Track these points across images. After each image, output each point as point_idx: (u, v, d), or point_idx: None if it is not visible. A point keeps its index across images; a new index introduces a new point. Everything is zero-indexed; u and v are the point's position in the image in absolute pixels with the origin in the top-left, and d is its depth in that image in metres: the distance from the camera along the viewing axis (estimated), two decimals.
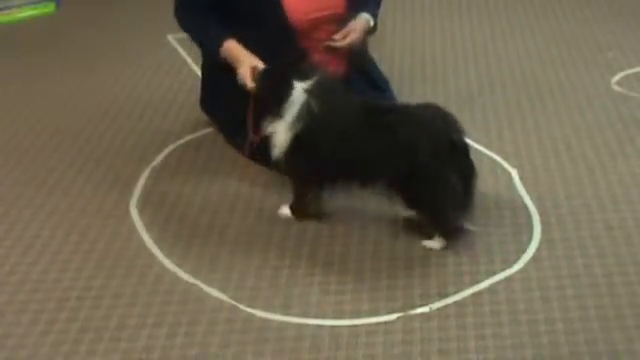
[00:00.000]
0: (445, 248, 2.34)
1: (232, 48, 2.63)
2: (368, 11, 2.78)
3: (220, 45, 2.64)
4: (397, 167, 2.31)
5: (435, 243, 2.35)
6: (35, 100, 3.34)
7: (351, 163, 2.36)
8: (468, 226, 2.38)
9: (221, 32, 2.67)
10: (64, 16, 4.26)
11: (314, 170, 2.43)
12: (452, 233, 2.35)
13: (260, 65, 2.54)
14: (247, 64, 2.55)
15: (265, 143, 2.44)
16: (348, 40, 2.73)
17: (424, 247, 2.36)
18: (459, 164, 2.32)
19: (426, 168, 2.28)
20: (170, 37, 3.89)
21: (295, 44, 2.68)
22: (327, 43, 2.73)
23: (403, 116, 2.35)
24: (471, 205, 2.38)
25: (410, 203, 2.37)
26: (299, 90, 2.34)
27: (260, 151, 2.56)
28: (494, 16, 4.06)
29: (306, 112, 2.34)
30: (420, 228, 2.40)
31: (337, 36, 2.73)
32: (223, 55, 2.64)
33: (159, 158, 2.87)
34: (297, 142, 2.37)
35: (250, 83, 2.51)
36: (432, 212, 2.36)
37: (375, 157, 2.33)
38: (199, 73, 3.40)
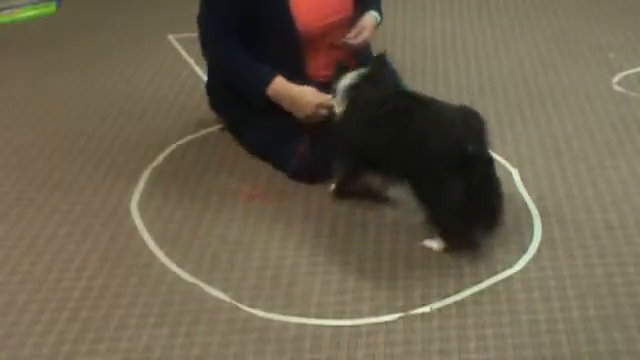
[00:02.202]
0: (445, 249, 2.34)
1: (281, 86, 2.62)
2: (373, 7, 2.82)
3: (268, 84, 2.62)
4: (409, 157, 2.31)
5: (435, 243, 2.35)
6: (36, 100, 3.34)
7: (376, 148, 2.40)
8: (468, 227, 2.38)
9: (267, 71, 2.64)
10: (65, 16, 4.26)
11: (350, 150, 2.52)
12: (451, 237, 2.34)
13: (316, 92, 2.58)
14: (311, 97, 2.58)
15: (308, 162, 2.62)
16: (361, 38, 2.76)
17: (424, 247, 2.35)
18: (472, 174, 2.26)
19: (432, 167, 2.28)
20: (171, 37, 3.89)
21: (303, 56, 2.70)
22: (343, 41, 2.75)
23: (430, 111, 2.35)
24: (490, 220, 2.34)
25: (416, 197, 2.37)
26: (347, 77, 2.52)
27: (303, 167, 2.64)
28: (495, 16, 4.06)
29: (347, 96, 2.50)
30: (423, 227, 2.40)
31: (351, 35, 2.75)
32: (270, 94, 2.62)
33: (160, 158, 2.87)
34: (340, 122, 2.50)
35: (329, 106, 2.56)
36: (432, 212, 2.36)
37: (394, 143, 2.35)
38: (200, 73, 3.42)
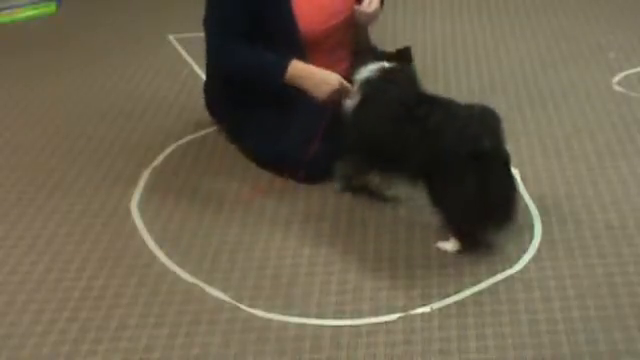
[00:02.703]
0: (459, 251, 2.33)
1: (299, 68, 2.59)
2: None
3: (285, 69, 2.58)
4: (424, 155, 2.31)
5: (449, 245, 2.34)
6: (36, 100, 3.34)
7: (389, 145, 2.41)
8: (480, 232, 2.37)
9: (280, 57, 2.62)
10: (65, 16, 4.27)
11: (360, 145, 2.51)
12: (462, 236, 2.33)
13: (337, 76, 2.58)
14: (334, 74, 2.57)
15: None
16: (373, 7, 2.75)
17: (438, 249, 2.34)
18: (487, 171, 2.25)
19: (448, 163, 2.27)
20: (171, 37, 3.89)
21: (305, 58, 2.68)
22: (358, 11, 2.74)
23: (445, 109, 2.35)
24: (503, 219, 2.33)
25: (430, 196, 2.36)
26: (367, 69, 2.52)
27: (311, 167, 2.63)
28: (495, 16, 4.06)
29: (364, 88, 2.50)
30: (436, 229, 2.40)
31: (363, 5, 2.75)
32: (289, 78, 2.59)
33: (160, 158, 2.87)
34: (353, 115, 2.50)
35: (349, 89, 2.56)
36: (445, 210, 2.34)
37: (407, 141, 2.35)
38: (200, 73, 3.42)
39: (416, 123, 2.33)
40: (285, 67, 2.59)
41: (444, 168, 2.28)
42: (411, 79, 2.56)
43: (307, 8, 2.68)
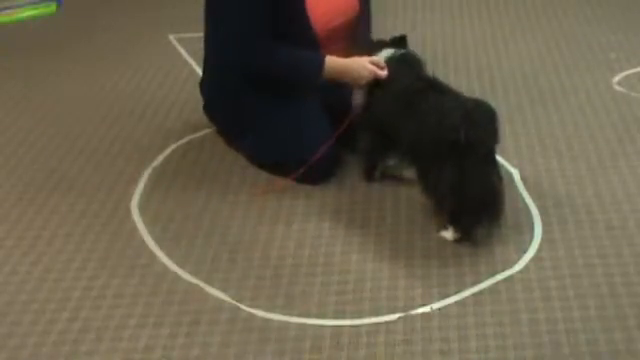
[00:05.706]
0: (458, 239, 2.35)
1: (333, 63, 2.63)
2: None
3: (321, 68, 2.62)
4: (410, 139, 2.43)
5: (449, 234, 2.37)
6: (36, 100, 3.34)
7: (394, 126, 2.51)
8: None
9: (313, 56, 2.66)
10: (65, 16, 4.27)
11: (374, 128, 2.60)
12: (457, 224, 2.35)
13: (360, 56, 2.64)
14: (362, 59, 2.62)
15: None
16: None
17: (440, 237, 2.38)
18: (464, 161, 2.29)
19: (428, 150, 2.36)
20: (172, 37, 3.89)
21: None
22: None
23: (439, 98, 2.42)
24: (491, 213, 2.36)
25: (418, 181, 2.45)
26: (386, 52, 2.65)
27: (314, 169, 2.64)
28: (495, 17, 4.06)
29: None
30: (434, 217, 2.44)
31: None
32: (325, 75, 2.63)
33: (160, 158, 2.87)
34: (369, 95, 2.62)
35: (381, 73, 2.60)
36: (427, 195, 2.41)
37: (406, 124, 2.44)
38: (200, 73, 3.41)
39: (411, 108, 2.43)
40: (321, 66, 2.62)
41: (426, 155, 2.37)
42: (421, 64, 2.65)
43: (318, 7, 2.70)
